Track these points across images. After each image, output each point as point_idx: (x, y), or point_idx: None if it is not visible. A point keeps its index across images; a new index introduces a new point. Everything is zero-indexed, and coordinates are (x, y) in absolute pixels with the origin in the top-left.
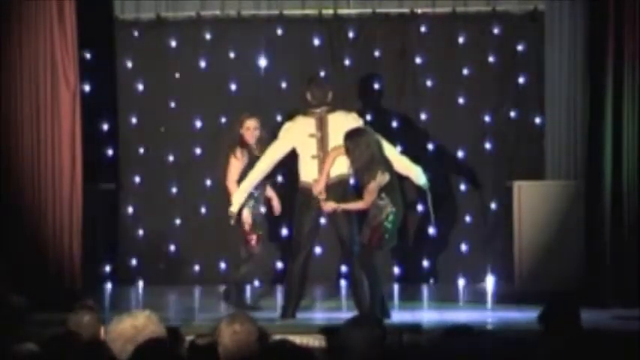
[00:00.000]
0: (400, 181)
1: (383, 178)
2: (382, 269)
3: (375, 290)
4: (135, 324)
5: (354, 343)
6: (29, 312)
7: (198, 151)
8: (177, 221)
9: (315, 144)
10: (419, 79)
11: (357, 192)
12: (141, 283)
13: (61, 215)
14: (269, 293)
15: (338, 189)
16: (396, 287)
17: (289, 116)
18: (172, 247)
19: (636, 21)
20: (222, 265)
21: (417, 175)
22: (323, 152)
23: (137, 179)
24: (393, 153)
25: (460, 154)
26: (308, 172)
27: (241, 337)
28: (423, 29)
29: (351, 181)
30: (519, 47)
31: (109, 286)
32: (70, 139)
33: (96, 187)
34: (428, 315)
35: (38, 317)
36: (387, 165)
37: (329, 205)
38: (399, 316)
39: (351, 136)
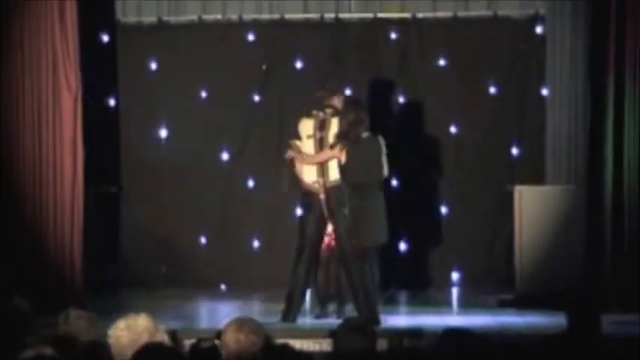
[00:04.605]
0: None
1: (341, 154)
2: (372, 273)
3: (359, 293)
4: (135, 328)
5: (345, 346)
6: (33, 316)
7: (199, 154)
8: (179, 225)
9: (313, 145)
10: (420, 83)
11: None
12: (142, 287)
13: (63, 218)
14: (269, 297)
15: (337, 192)
16: (396, 292)
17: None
18: (174, 251)
19: (637, 24)
20: (223, 269)
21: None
22: None
23: (138, 183)
24: None
25: (461, 157)
26: (308, 173)
27: (246, 343)
28: (424, 33)
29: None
30: (520, 51)
31: (110, 289)
32: (72, 142)
33: (97, 190)
34: (428, 319)
35: (39, 321)
36: (365, 163)
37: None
38: (399, 320)
39: (352, 106)
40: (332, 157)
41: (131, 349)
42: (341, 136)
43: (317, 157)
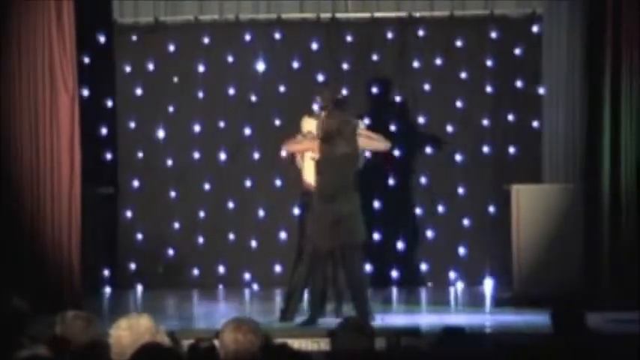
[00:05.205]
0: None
1: (313, 154)
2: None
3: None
4: (137, 328)
5: (343, 346)
6: (31, 316)
7: (196, 155)
8: (176, 225)
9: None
10: (417, 83)
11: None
12: (139, 288)
13: (60, 219)
14: (268, 297)
15: None
16: (394, 291)
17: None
18: (171, 251)
19: (634, 23)
20: (221, 270)
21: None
22: None
23: (136, 183)
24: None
25: (458, 157)
26: (309, 172)
27: (245, 343)
28: (420, 33)
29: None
30: (517, 50)
31: (107, 290)
32: (69, 144)
33: (95, 191)
34: (426, 319)
35: (36, 321)
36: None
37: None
38: (397, 319)
39: (336, 106)
40: (308, 149)
41: (131, 349)
42: (327, 138)
43: (298, 144)
